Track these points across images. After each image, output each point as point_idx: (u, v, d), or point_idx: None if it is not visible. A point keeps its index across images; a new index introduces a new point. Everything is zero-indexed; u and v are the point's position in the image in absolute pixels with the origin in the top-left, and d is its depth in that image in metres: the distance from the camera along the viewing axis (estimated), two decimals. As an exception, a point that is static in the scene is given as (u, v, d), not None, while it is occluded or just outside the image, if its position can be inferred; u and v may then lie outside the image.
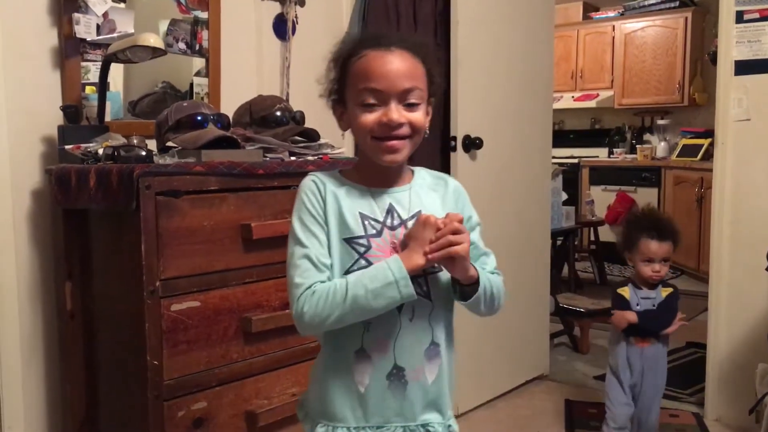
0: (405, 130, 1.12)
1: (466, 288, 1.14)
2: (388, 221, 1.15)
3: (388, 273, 1.07)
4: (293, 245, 1.15)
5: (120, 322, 1.80)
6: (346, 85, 1.15)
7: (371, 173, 1.18)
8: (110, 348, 1.89)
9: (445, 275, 1.16)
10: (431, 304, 1.15)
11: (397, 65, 1.11)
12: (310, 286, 1.10)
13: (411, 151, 1.15)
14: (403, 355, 1.14)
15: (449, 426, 1.21)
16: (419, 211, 1.15)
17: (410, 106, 1.12)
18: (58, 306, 2.01)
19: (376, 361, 1.13)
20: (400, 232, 1.14)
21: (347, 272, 1.12)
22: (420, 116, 1.13)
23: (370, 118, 1.11)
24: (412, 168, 1.24)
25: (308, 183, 1.17)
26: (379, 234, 1.14)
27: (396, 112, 1.10)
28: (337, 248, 1.13)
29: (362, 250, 1.12)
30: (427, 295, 1.15)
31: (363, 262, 1.11)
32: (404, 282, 1.07)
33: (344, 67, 1.15)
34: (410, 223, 1.14)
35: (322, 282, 1.11)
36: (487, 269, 1.21)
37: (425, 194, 1.20)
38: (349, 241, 1.13)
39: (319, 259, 1.12)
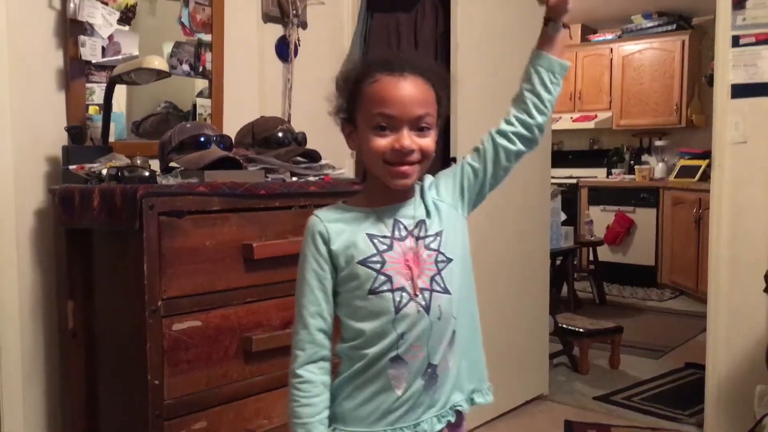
0: (416, 156, 1.16)
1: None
2: (396, 233, 1.19)
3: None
4: (298, 291, 1.23)
5: (121, 341, 1.81)
6: (358, 107, 1.18)
7: (378, 193, 1.22)
8: (111, 367, 1.89)
9: (456, 266, 1.21)
10: (451, 297, 1.20)
11: (410, 92, 1.15)
12: (302, 365, 1.20)
13: (420, 174, 1.21)
14: (433, 353, 1.19)
15: (472, 399, 1.28)
16: (423, 221, 1.20)
17: (421, 131, 1.16)
18: (59, 324, 2.02)
19: (412, 365, 1.18)
20: (410, 242, 1.19)
21: (371, 291, 1.16)
22: (430, 142, 1.17)
23: (382, 143, 1.15)
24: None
25: (311, 227, 1.21)
26: (390, 248, 1.18)
27: (408, 139, 1.14)
28: (358, 272, 1.17)
29: (378, 266, 1.17)
30: (446, 289, 1.19)
31: (382, 278, 1.16)
32: None
33: (356, 88, 1.18)
34: (417, 232, 1.19)
35: (312, 362, 1.19)
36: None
37: (421, 205, 1.24)
38: (365, 262, 1.17)
39: (313, 324, 1.20)
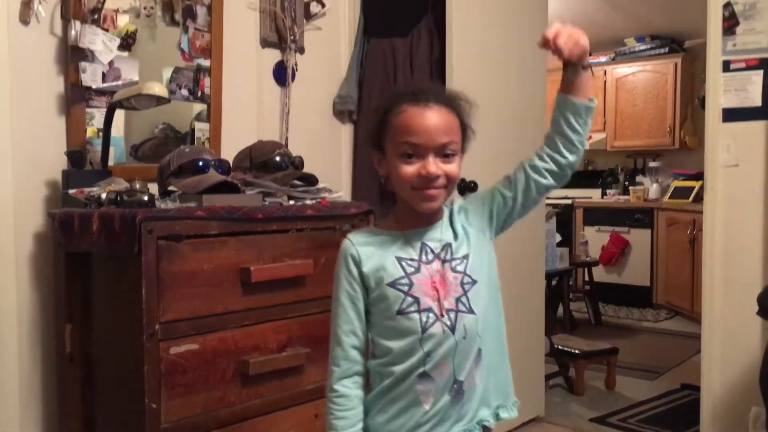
0: (441, 182, 1.22)
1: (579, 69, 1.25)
2: (423, 257, 1.26)
3: None
4: (333, 311, 1.30)
5: (119, 364, 1.82)
6: (386, 136, 1.25)
7: (406, 217, 1.29)
8: (109, 391, 1.90)
9: (482, 287, 1.26)
10: (476, 317, 1.25)
11: (435, 121, 1.21)
12: (338, 380, 1.27)
13: (447, 198, 1.26)
14: (460, 370, 1.24)
15: (497, 414, 1.34)
16: (449, 244, 1.26)
17: (447, 158, 1.22)
18: (57, 348, 2.02)
19: (439, 381, 1.24)
20: (437, 265, 1.25)
21: (399, 312, 1.23)
22: (455, 168, 1.24)
23: (409, 170, 1.21)
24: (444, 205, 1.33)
25: (344, 251, 1.29)
26: (417, 270, 1.24)
27: (434, 165, 1.20)
28: (387, 293, 1.24)
29: (406, 288, 1.23)
30: (471, 310, 1.25)
31: (410, 299, 1.22)
32: None
33: (385, 119, 1.25)
34: (443, 255, 1.25)
35: (347, 377, 1.27)
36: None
37: (449, 228, 1.29)
38: (394, 284, 1.24)
39: (347, 342, 1.27)
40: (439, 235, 1.27)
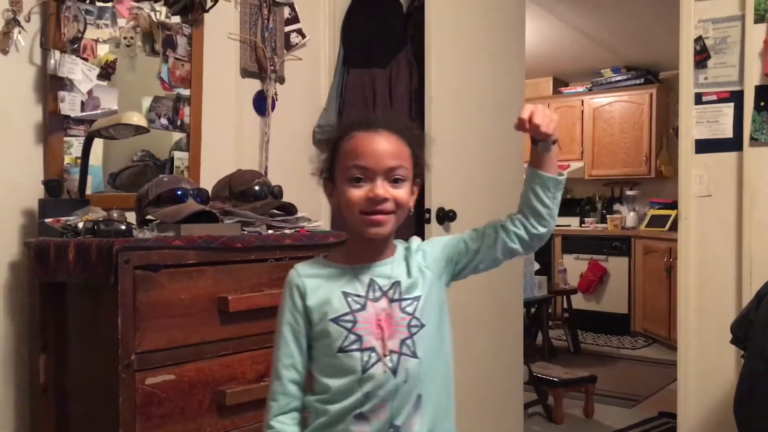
0: (389, 206, 1.20)
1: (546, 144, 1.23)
2: (370, 294, 1.22)
3: None
4: (274, 343, 1.27)
5: (93, 395, 1.80)
6: (336, 163, 1.24)
7: (357, 249, 1.26)
8: (83, 422, 1.87)
9: (430, 331, 1.23)
10: (419, 361, 1.21)
11: (383, 145, 1.20)
12: (275, 416, 1.24)
13: (395, 226, 1.23)
14: (398, 414, 1.20)
15: None
16: (398, 282, 1.22)
17: (395, 183, 1.21)
18: (30, 379, 1.99)
19: (375, 424, 1.19)
20: (383, 302, 1.21)
21: (341, 349, 1.19)
22: (404, 193, 1.22)
23: (357, 193, 1.19)
24: (396, 242, 1.30)
25: (290, 281, 1.26)
26: (363, 308, 1.21)
27: (381, 188, 1.19)
28: (329, 329, 1.20)
29: (349, 325, 1.20)
30: (414, 354, 1.21)
31: (352, 337, 1.19)
32: None
33: (335, 147, 1.24)
34: (391, 293, 1.22)
35: (284, 413, 1.24)
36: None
37: (401, 265, 1.26)
38: (337, 320, 1.20)
39: (285, 376, 1.24)
40: (389, 271, 1.24)
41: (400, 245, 1.30)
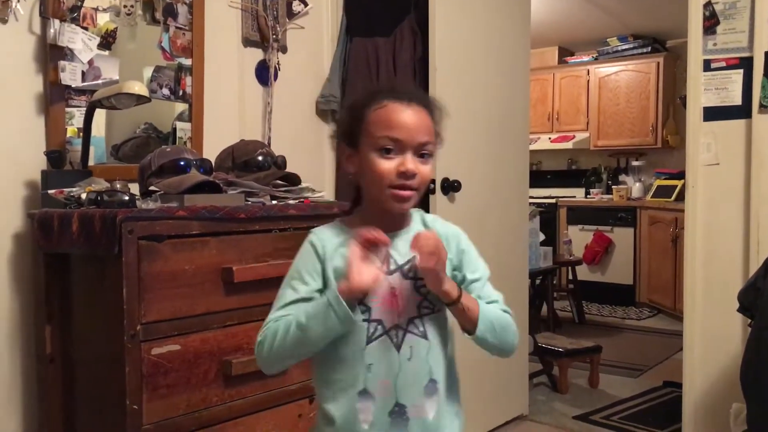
0: (416, 182, 1.19)
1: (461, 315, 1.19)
2: (385, 267, 1.20)
3: (323, 298, 1.14)
4: (280, 294, 1.23)
5: (100, 365, 1.81)
6: (361, 131, 1.20)
7: (375, 219, 1.22)
8: (89, 392, 1.88)
9: (441, 316, 1.22)
10: (428, 343, 1.21)
11: (416, 119, 1.19)
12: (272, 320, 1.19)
13: (416, 201, 1.22)
14: (403, 393, 1.19)
15: None
16: (414, 257, 1.18)
17: (423, 158, 1.19)
18: (37, 350, 2.00)
19: (379, 400, 1.18)
20: (396, 277, 1.20)
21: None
22: (429, 170, 1.21)
23: (387, 165, 1.17)
24: (412, 210, 1.29)
25: (308, 245, 1.24)
26: None
27: (412, 163, 1.17)
28: None
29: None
30: (424, 335, 1.21)
31: (362, 307, 1.18)
32: (336, 301, 1.11)
33: (361, 113, 1.21)
34: (405, 269, 1.21)
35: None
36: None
37: None
38: None
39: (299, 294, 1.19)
40: (405, 246, 1.20)
41: (416, 214, 1.29)
